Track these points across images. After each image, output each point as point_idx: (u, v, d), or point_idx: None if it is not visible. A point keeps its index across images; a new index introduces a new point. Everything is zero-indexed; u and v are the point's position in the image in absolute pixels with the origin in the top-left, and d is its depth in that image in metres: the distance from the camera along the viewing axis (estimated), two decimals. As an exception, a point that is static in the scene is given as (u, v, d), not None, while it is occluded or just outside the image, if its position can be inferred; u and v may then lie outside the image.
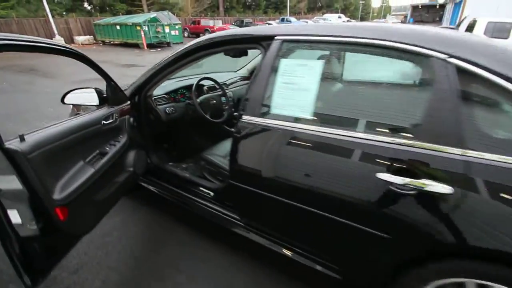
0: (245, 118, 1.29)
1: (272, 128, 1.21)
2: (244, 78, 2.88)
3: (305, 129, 1.13)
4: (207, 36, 1.53)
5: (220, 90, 2.33)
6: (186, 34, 19.15)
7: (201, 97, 2.09)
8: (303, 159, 1.14)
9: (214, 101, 2.15)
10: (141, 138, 1.88)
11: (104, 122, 1.44)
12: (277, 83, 1.24)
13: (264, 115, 1.25)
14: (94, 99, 1.52)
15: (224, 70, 2.99)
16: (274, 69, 1.25)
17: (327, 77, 1.19)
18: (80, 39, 16.05)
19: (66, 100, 1.51)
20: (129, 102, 1.69)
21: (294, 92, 1.19)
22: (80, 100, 1.55)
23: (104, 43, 16.66)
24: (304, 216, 1.19)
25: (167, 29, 14.74)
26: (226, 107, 2.25)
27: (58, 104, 1.62)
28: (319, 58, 1.20)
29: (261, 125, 1.24)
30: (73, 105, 1.82)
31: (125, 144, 1.57)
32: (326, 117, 1.16)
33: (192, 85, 2.14)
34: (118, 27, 14.98)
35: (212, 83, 2.32)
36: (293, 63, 1.21)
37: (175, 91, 2.14)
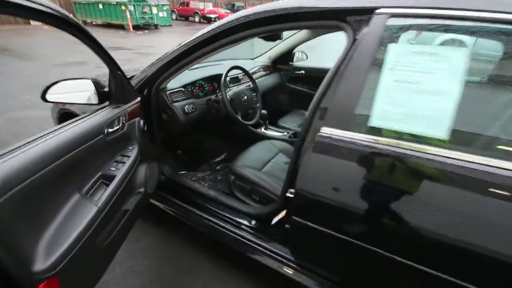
0: (326, 131, 0.87)
1: (374, 149, 0.80)
2: (265, 68, 2.43)
3: (436, 154, 0.74)
4: (254, 9, 1.08)
5: (248, 82, 1.88)
6: (174, 17, 18.02)
7: (230, 92, 1.64)
8: (433, 201, 0.75)
9: (246, 96, 1.70)
10: (153, 144, 1.43)
11: (109, 130, 0.99)
12: (382, 82, 0.82)
13: (358, 128, 0.84)
14: (91, 96, 1.06)
15: (239, 57, 2.52)
16: (376, 61, 0.83)
17: (477, 74, 0.78)
18: (58, 18, 14.65)
19: (49, 97, 1.03)
20: (139, 98, 1.23)
21: (415, 95, 0.78)
22: (71, 97, 1.08)
23: (85, 23, 15.30)
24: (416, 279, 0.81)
25: (154, 10, 13.72)
26: (258, 105, 1.81)
27: (36, 90, 1.13)
28: (454, 44, 0.79)
29: (356, 143, 0.83)
30: (60, 104, 1.32)
31: (136, 159, 1.12)
32: (477, 138, 0.76)
33: (213, 76, 1.69)
34: (100, 6, 13.77)
35: (238, 72, 1.86)
36: (413, 51, 0.79)
37: (192, 83, 1.68)
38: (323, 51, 2.91)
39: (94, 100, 1.07)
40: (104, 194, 0.90)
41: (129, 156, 1.08)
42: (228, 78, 1.88)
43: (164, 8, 14.40)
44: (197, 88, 1.71)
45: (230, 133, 1.98)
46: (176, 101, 1.50)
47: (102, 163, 0.98)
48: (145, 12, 13.32)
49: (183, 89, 1.57)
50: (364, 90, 0.84)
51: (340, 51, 0.98)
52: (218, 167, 1.96)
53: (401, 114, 0.79)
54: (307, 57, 2.56)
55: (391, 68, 0.81)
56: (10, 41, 8.49)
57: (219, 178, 1.82)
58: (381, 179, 0.81)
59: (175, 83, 1.53)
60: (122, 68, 1.08)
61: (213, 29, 1.11)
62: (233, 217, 1.32)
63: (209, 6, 19.63)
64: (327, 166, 0.88)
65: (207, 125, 1.78)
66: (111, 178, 0.96)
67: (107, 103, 1.10)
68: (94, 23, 15.07)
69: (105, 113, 1.02)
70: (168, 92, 1.48)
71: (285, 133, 1.97)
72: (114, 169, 0.99)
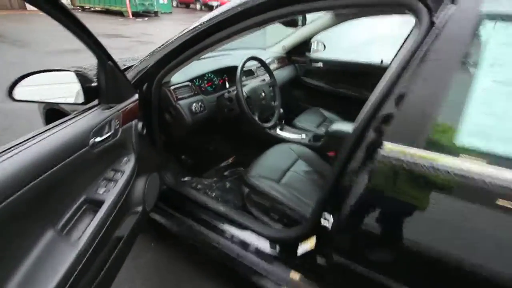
0: (392, 148, 0.64)
1: (464, 180, 0.57)
2: (280, 59, 2.17)
3: None
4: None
5: (264, 75, 1.64)
6: (174, 4, 17.44)
7: (246, 88, 1.40)
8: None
9: (263, 93, 1.46)
10: (153, 151, 1.20)
11: (96, 140, 0.75)
12: (477, 83, 0.58)
13: (439, 147, 0.61)
14: (74, 92, 0.82)
15: (249, 47, 2.26)
16: (467, 54, 0.59)
17: None
18: (55, 3, 14.14)
19: (18, 93, 0.78)
20: (136, 96, 0.99)
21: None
22: (47, 94, 0.84)
23: (83, 9, 14.80)
24: None
25: (155, -4, 13.23)
26: (276, 103, 1.57)
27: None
28: None
29: (436, 168, 0.60)
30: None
31: (132, 174, 0.89)
32: None
33: (224, 69, 1.44)
34: (99, -9, 13.26)
35: (252, 64, 1.61)
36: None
37: (200, 77, 1.43)
38: (340, 41, 2.63)
39: (79, 98, 0.83)
40: (89, 228, 0.67)
41: (123, 171, 0.85)
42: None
43: (165, -6, 13.89)
44: (205, 82, 1.46)
45: (241, 134, 1.74)
46: (182, 98, 1.26)
47: (87, 183, 0.75)
48: (145, -2, 12.84)
49: (189, 84, 1.33)
50: (449, 94, 0.60)
51: (402, 40, 0.73)
52: (226, 173, 1.73)
53: (508, 130, 0.56)
54: (324, 48, 2.30)
55: (491, 64, 0.58)
56: (4, 27, 8.13)
57: (228, 186, 1.59)
58: (474, 223, 0.58)
59: (180, 76, 1.29)
60: (121, 57, 0.84)
61: (230, 8, 0.86)
62: (248, 241, 1.10)
63: (213, -7, 19.02)
64: (395, 195, 0.65)
65: (216, 126, 1.54)
66: (98, 203, 0.73)
67: (95, 102, 0.86)
68: (92, 9, 14.57)
69: (92, 116, 0.78)
70: (172, 88, 1.23)
71: (303, 135, 1.73)
72: (102, 190, 0.76)
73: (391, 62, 0.68)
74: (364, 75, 2.12)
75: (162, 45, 1.02)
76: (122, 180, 0.81)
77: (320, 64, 2.22)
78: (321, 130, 1.87)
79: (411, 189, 0.63)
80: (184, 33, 0.96)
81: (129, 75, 1.06)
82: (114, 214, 0.76)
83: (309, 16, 1.83)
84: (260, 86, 1.44)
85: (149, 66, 1.04)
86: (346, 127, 1.58)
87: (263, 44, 2.36)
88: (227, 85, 1.56)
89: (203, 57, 1.63)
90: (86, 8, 14.75)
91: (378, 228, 0.67)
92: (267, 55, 2.09)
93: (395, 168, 0.63)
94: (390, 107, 0.67)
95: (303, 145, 1.62)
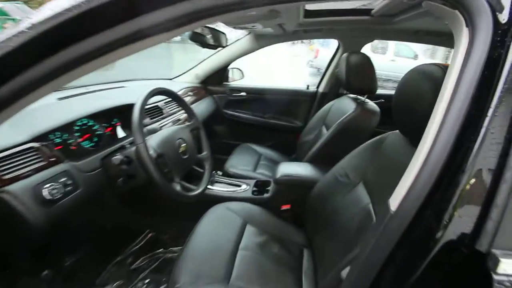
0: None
1: None
2: (195, 91, 1.73)
3: None
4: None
5: (178, 114, 1.16)
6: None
7: (155, 138, 0.87)
8: None
9: (184, 143, 0.95)
10: None
11: None
12: None
13: None
14: None
15: (150, 77, 1.75)
16: None
17: None
18: None
19: None
20: None
21: None
22: None
23: None
24: None
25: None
26: (205, 154, 1.08)
27: None
28: None
29: None
30: None
31: None
32: None
33: (109, 110, 0.91)
34: None
35: (157, 100, 1.12)
36: None
37: (65, 127, 0.82)
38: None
39: None
40: None
41: None
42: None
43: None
44: (77, 136, 0.86)
45: (155, 202, 1.18)
46: (18, 179, 0.63)
47: None
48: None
49: (36, 146, 0.71)
50: None
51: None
52: (137, 265, 1.11)
53: None
54: (243, 76, 2.01)
55: None
56: None
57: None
58: None
59: (12, 133, 0.67)
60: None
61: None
62: None
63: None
64: None
65: (103, 204, 0.94)
66: None
67: None
68: None
69: None
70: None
71: (244, 186, 1.30)
72: None
73: (456, 88, 0.33)
74: (292, 102, 1.93)
75: None
76: None
77: (243, 93, 1.90)
78: (261, 173, 1.49)
79: None
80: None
81: None
82: None
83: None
84: (176, 133, 0.94)
85: None
86: (296, 169, 1.25)
87: (168, 73, 1.89)
88: (120, 135, 1.00)
89: (78, 92, 1.05)
90: None
91: None
92: (178, 87, 1.61)
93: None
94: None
95: (245, 201, 1.20)
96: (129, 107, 0.81)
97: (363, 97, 1.34)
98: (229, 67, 1.87)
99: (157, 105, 1.26)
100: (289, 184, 1.18)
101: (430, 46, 8.98)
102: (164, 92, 0.94)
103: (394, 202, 0.41)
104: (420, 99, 0.60)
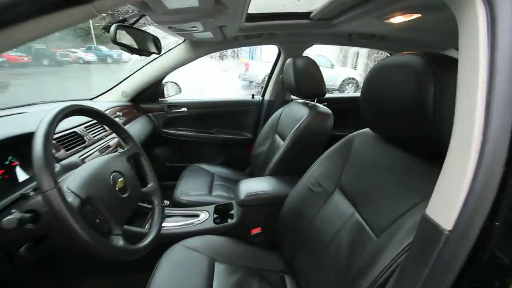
0: None
1: None
2: (124, 110, 1.44)
3: None
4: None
5: (113, 140, 0.91)
6: None
7: (75, 176, 0.60)
8: None
9: (120, 176, 0.70)
10: None
11: None
12: None
13: None
14: None
15: (60, 99, 1.40)
16: None
17: None
18: None
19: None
20: None
21: None
22: None
23: None
24: None
25: None
26: (152, 187, 0.84)
27: None
28: None
29: None
30: None
31: None
32: None
33: (2, 142, 0.63)
34: None
35: (80, 122, 0.85)
36: None
37: None
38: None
39: None
40: None
41: None
42: (54, 142, 0.82)
43: None
44: None
45: (81, 261, 0.88)
46: None
47: None
48: None
49: None
50: None
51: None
52: None
53: None
54: (180, 90, 1.81)
55: None
56: None
57: None
58: None
59: None
60: None
61: None
62: None
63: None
64: None
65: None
66: None
67: None
68: None
69: None
70: None
71: (202, 215, 1.10)
72: None
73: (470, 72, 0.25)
74: (238, 113, 1.82)
75: None
76: None
77: (183, 109, 1.69)
78: (219, 196, 1.31)
79: None
80: None
81: None
82: None
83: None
84: (107, 164, 0.68)
85: None
86: (260, 185, 1.12)
87: (86, 94, 1.55)
88: (21, 178, 0.70)
89: None
90: None
91: None
92: (103, 107, 1.32)
93: None
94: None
95: (208, 233, 1.01)
96: (30, 138, 0.55)
97: (313, 101, 1.32)
98: (163, 81, 1.65)
99: (74, 131, 0.97)
100: (256, 203, 1.04)
101: (341, 57, 10.32)
102: (82, 110, 0.68)
103: (443, 217, 0.31)
104: (403, 92, 0.55)
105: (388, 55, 1.82)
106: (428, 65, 0.50)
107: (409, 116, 0.55)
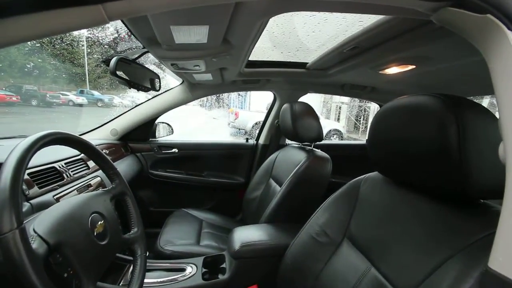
0: None
1: None
2: (113, 150, 1.36)
3: None
4: None
5: (97, 178, 0.82)
6: None
7: (49, 221, 0.50)
8: None
9: (102, 220, 0.59)
10: None
11: None
12: None
13: None
14: None
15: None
16: None
17: None
18: None
19: None
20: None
21: None
22: None
23: None
24: None
25: None
26: (135, 232, 0.72)
27: None
28: None
29: None
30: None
31: None
32: None
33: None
34: None
35: (59, 159, 0.77)
36: None
37: None
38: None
39: None
40: None
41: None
42: (27, 177, 0.72)
43: None
44: None
45: None
46: None
47: None
48: None
49: None
50: None
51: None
52: None
53: None
54: (172, 131, 1.77)
55: None
56: None
57: None
58: None
59: None
60: None
61: None
62: None
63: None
64: None
65: None
66: None
67: None
68: None
69: None
70: None
71: (189, 268, 0.95)
72: None
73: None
74: (231, 156, 1.76)
75: None
76: None
77: (174, 150, 1.63)
78: (208, 246, 1.17)
79: None
80: None
81: None
82: None
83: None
84: (86, 204, 0.57)
85: None
86: (257, 234, 1.00)
87: (74, 128, 1.47)
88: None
89: None
90: None
91: None
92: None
93: None
94: None
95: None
96: None
97: (310, 145, 1.30)
98: (156, 121, 1.62)
99: (53, 167, 0.87)
100: (252, 255, 0.91)
101: (325, 110, 10.98)
102: (66, 139, 0.60)
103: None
104: (420, 135, 0.53)
105: (378, 107, 1.90)
106: (446, 106, 0.48)
107: (430, 159, 0.52)
